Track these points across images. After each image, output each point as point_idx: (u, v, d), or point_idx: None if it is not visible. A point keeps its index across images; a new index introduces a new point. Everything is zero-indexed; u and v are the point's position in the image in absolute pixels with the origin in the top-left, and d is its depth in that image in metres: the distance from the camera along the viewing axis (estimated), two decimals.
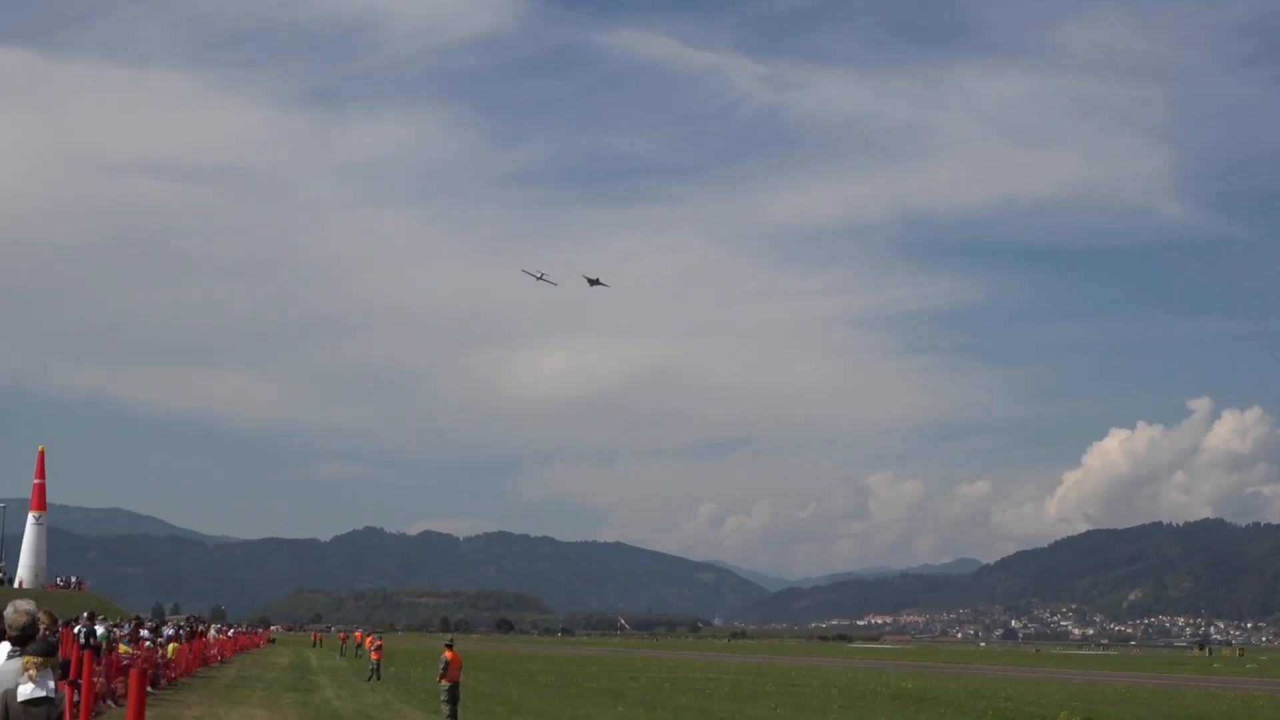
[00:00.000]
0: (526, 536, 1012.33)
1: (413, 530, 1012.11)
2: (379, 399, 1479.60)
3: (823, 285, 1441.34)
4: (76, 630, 36.92)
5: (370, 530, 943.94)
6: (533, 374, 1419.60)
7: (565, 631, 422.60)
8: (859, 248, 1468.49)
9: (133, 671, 7.85)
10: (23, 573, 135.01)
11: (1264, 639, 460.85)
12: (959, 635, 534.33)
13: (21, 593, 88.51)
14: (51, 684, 8.14)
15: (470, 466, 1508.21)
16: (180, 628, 68.45)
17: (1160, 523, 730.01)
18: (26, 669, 8.03)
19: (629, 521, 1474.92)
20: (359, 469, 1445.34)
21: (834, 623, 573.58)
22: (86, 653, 21.58)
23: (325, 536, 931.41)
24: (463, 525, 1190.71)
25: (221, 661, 79.33)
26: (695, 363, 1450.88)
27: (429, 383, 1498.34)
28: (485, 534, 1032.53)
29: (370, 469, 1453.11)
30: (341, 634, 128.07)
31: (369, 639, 72.53)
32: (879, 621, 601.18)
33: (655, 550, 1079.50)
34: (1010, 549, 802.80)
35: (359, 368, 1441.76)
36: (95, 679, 25.25)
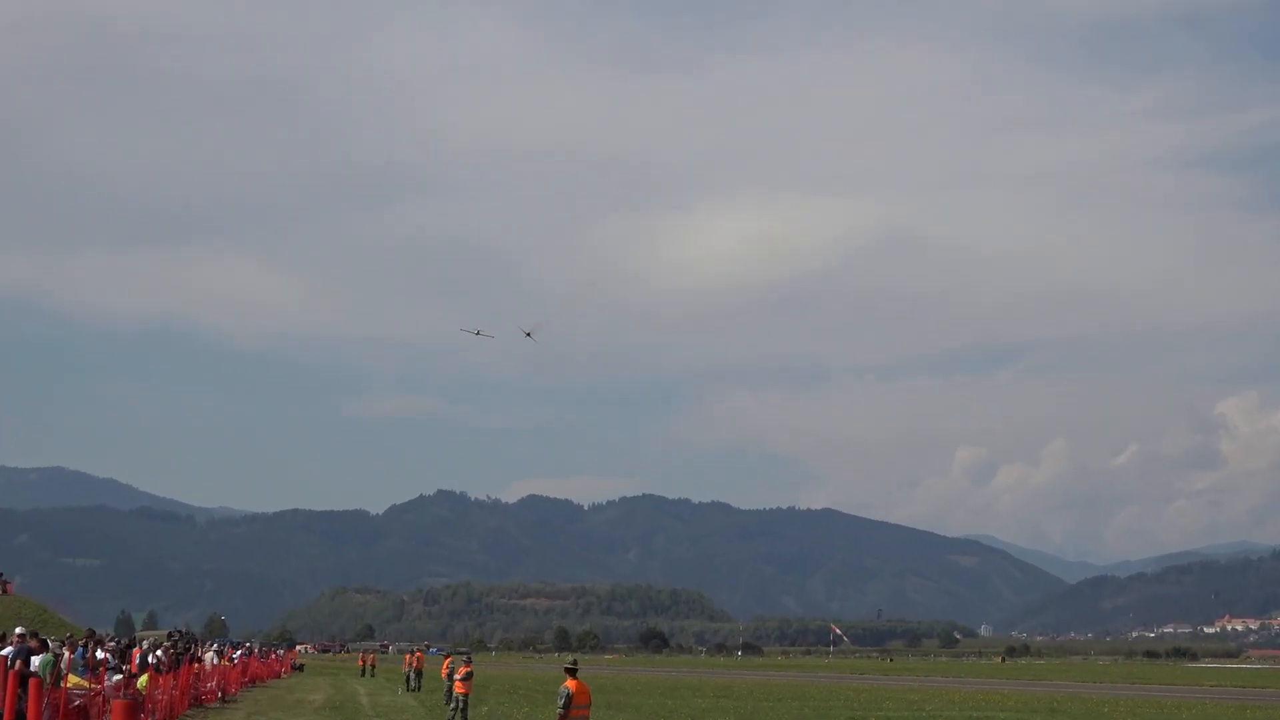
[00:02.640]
0: (685, 503, 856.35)
1: (509, 497, 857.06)
2: (452, 294, 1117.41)
3: (1144, 104, 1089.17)
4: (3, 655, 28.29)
5: (445, 497, 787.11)
6: (690, 250, 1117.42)
7: (749, 648, 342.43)
8: (1202, 42, 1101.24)
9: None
10: None
11: None
12: None
13: None
14: None
15: (595, 397, 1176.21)
16: (160, 649, 48.04)
17: None
18: None
19: (843, 478, 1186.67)
20: (424, 404, 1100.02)
21: (1168, 630, 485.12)
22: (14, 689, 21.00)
23: (377, 508, 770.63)
24: (585, 488, 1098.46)
25: (223, 700, 59.90)
26: (941, 229, 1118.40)
27: (528, 266, 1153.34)
28: (620, 500, 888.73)
29: (441, 404, 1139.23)
30: (407, 656, 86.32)
31: (448, 662, 55.23)
32: (1238, 628, 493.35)
33: (884, 521, 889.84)
34: None
35: (421, 247, 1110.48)
36: None
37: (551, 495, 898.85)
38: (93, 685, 32.45)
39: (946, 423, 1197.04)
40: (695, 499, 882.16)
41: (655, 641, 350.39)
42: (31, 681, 22.89)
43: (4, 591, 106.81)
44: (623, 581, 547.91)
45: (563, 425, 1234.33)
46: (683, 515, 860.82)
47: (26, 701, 22.51)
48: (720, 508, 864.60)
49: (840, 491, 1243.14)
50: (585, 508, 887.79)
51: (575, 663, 24.22)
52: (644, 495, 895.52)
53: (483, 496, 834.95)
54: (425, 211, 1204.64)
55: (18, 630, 32.16)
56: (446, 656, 64.71)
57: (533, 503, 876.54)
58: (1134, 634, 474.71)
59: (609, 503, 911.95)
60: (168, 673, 43.02)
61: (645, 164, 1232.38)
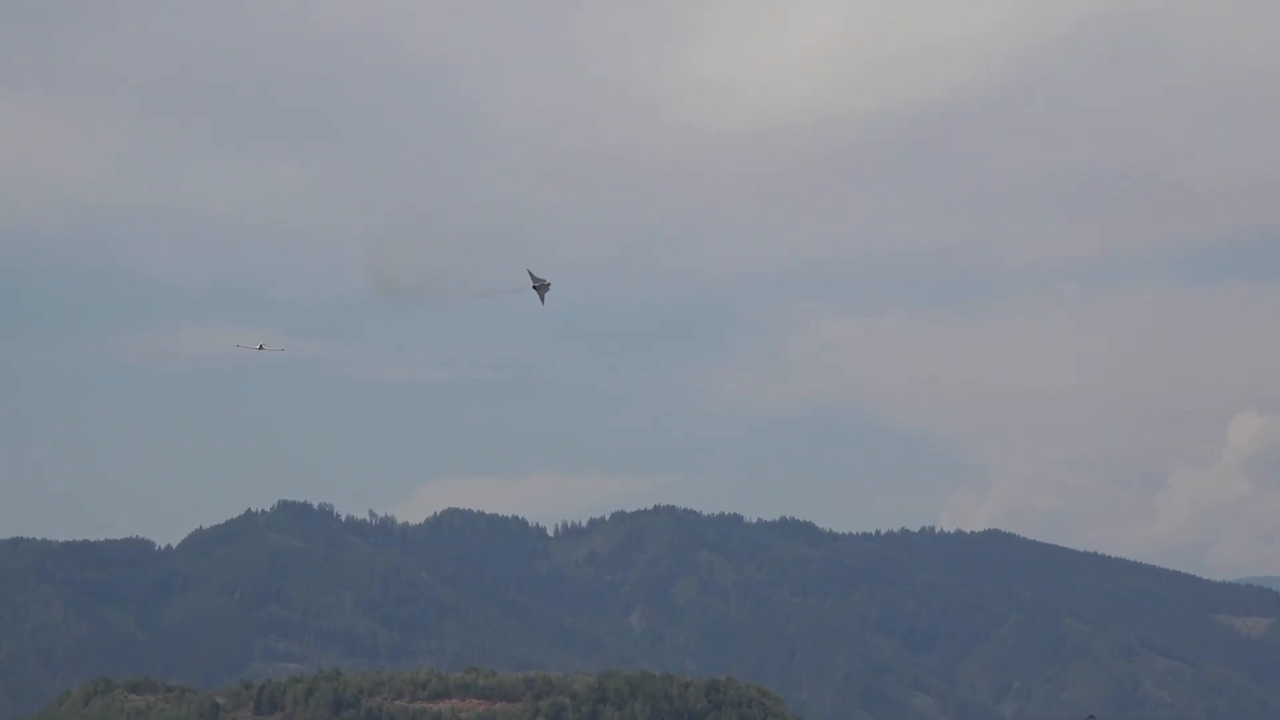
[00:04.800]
0: (733, 521, 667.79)
1: (411, 513, 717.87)
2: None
3: None
4: None
5: (292, 513, 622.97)
6: (736, 63, 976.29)
7: None
8: None
9: None
10: None
11: None
12: None
13: None
14: None
15: (568, 327, 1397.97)
16: None
17: None
18: None
19: (1022, 473, 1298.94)
20: (247, 337, 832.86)
21: None
22: None
23: (167, 535, 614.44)
24: (549, 496, 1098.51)
25: None
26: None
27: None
28: (615, 518, 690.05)
29: (284, 337, 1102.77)
30: None
31: None
32: None
33: (1095, 552, 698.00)
34: None
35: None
36: None
37: (487, 510, 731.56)
38: None
39: (1215, 373, 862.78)
40: (750, 514, 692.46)
41: None
42: None
43: None
44: (621, 666, 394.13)
45: (509, 377, 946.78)
46: (728, 543, 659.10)
47: None
48: (797, 530, 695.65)
49: (1015, 499, 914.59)
50: (550, 532, 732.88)
51: None
52: (658, 508, 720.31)
53: (362, 514, 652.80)
54: None
55: None
56: None
57: (453, 524, 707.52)
58: None
59: (593, 522, 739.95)
60: None
61: None
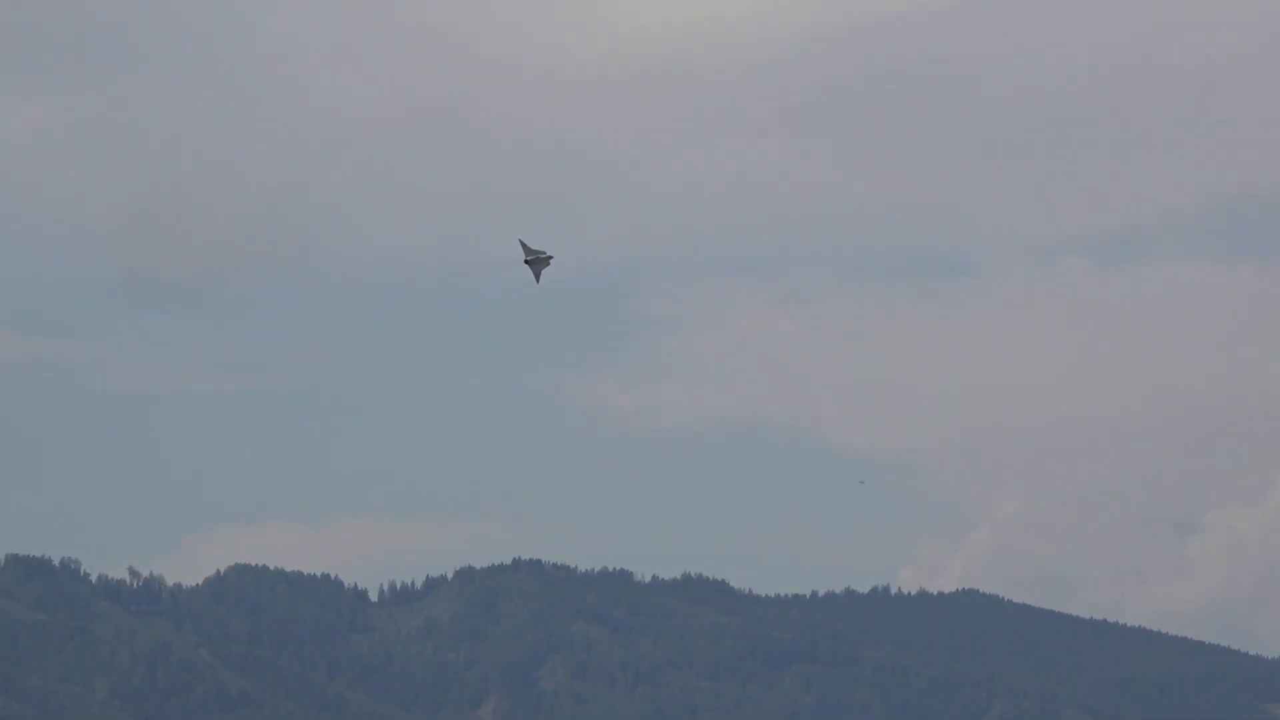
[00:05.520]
0: (619, 579, 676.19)
1: (173, 568, 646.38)
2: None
3: None
4: None
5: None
6: None
7: None
8: None
9: None
10: None
11: None
12: None
13: None
14: None
15: (383, 319, 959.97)
16: None
17: None
18: None
19: (1007, 512, 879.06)
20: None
21: None
22: None
23: None
24: (362, 543, 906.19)
25: None
26: None
27: None
28: (460, 577, 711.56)
29: None
30: None
31: None
32: None
33: (1106, 619, 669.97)
34: None
35: None
36: None
37: (287, 566, 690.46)
38: None
39: (1267, 379, 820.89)
40: (642, 570, 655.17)
41: None
42: None
43: None
44: None
45: (316, 389, 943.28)
46: (613, 609, 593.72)
47: None
48: (706, 590, 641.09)
49: (1000, 549, 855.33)
50: (374, 595, 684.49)
51: None
52: (518, 563, 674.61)
53: (120, 573, 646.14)
54: None
55: None
56: None
57: (241, 586, 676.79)
58: None
59: (431, 583, 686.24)
60: None
61: None
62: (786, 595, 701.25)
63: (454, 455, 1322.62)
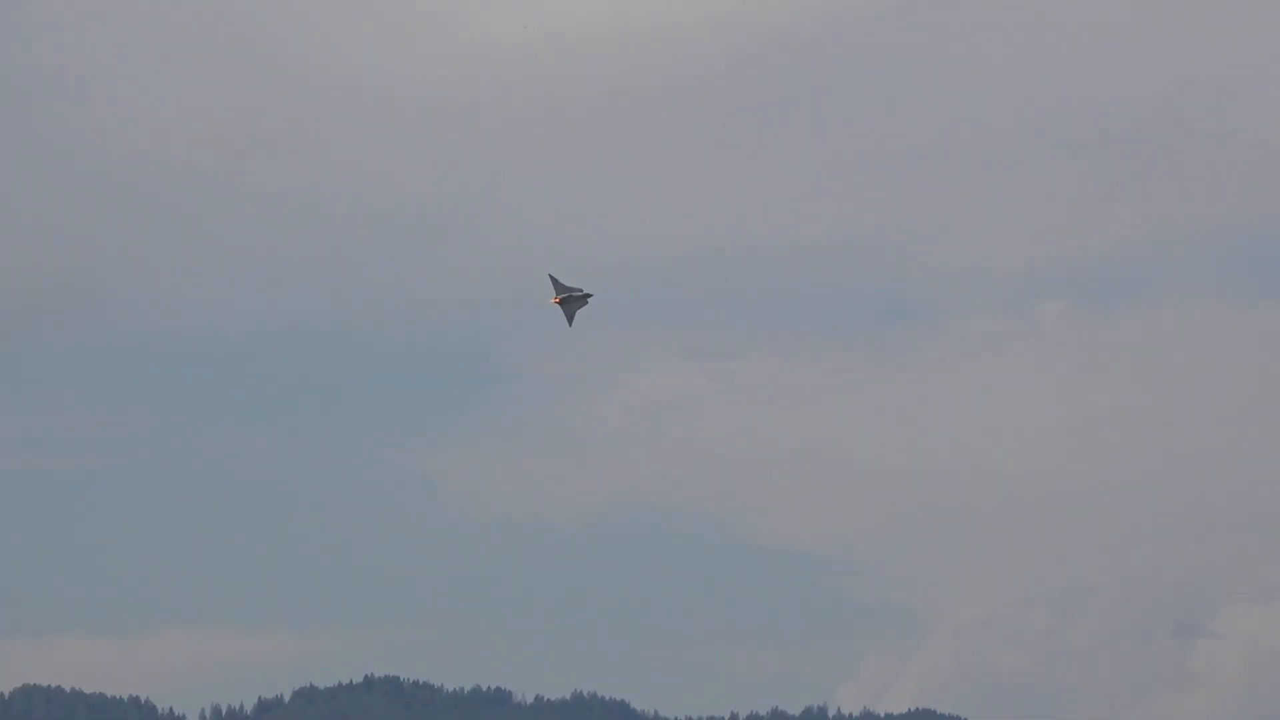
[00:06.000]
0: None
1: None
2: None
3: None
4: None
5: None
6: None
7: None
8: None
9: None
10: None
11: None
12: None
13: None
14: None
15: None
16: None
17: None
18: None
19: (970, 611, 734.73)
20: None
21: None
22: None
23: None
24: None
25: None
26: None
27: None
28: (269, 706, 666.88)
29: None
30: None
31: None
32: None
33: None
34: None
35: None
36: None
37: (87, 687, 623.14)
38: None
39: None
40: (523, 690, 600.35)
41: None
42: None
43: None
44: None
45: (117, 467, 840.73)
46: None
47: None
48: (601, 713, 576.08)
49: (962, 660, 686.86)
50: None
51: None
52: (370, 681, 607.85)
53: None
54: None
55: None
56: None
57: (31, 710, 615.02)
58: None
59: (264, 705, 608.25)
60: None
61: None
62: (700, 718, 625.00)
63: (293, 550, 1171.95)
